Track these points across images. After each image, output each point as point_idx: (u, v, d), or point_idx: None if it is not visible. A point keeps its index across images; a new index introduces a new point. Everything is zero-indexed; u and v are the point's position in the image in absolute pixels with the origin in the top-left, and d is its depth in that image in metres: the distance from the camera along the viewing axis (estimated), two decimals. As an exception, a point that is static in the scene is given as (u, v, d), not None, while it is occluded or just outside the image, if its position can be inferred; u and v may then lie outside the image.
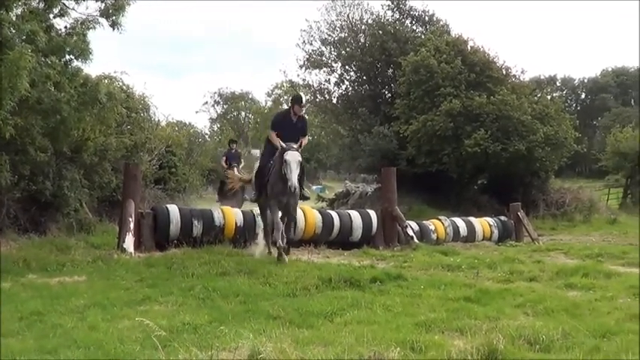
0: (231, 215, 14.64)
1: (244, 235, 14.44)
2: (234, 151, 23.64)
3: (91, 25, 14.24)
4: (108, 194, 17.86)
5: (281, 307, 8.08)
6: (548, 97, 41.18)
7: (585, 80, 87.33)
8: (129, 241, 13.29)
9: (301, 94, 14.03)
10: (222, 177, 23.10)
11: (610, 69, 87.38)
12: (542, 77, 74.37)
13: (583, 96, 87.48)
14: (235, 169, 21.55)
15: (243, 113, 60.15)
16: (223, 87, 66.66)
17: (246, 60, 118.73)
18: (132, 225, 13.54)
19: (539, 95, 36.62)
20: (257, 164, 13.68)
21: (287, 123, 12.67)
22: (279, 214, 12.57)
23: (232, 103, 60.05)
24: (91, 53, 14.00)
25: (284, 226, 12.67)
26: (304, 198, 13.40)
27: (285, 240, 12.58)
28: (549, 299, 8.84)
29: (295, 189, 11.80)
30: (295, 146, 12.09)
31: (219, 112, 59.75)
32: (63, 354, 6.18)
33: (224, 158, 23.36)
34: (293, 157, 11.92)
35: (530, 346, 6.51)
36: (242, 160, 24.00)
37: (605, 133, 51.27)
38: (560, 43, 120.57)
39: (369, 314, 7.96)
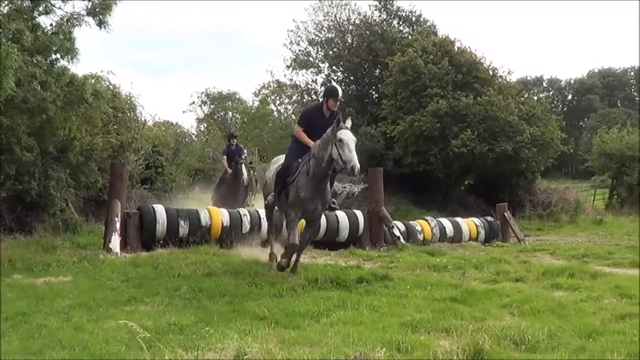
0: (217, 215, 14.62)
1: (230, 234, 14.42)
2: (234, 147, 20.82)
3: (77, 23, 14.17)
4: (94, 194, 17.80)
5: (267, 308, 8.04)
6: (535, 97, 41.37)
7: (572, 81, 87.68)
8: (115, 241, 13.25)
9: (336, 85, 12.22)
10: (223, 177, 20.86)
11: (596, 70, 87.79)
12: (528, 78, 74.77)
13: (569, 97, 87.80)
14: (243, 166, 19.93)
15: (230, 113, 60.03)
16: (210, 87, 66.41)
17: (240, 60, 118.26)
18: (118, 225, 13.50)
19: (525, 96, 36.84)
20: (270, 169, 12.01)
21: (318, 119, 10.90)
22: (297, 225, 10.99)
23: (219, 102, 59.92)
24: (77, 52, 13.94)
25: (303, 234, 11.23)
26: (332, 209, 11.58)
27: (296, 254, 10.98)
28: (535, 300, 8.88)
29: (358, 170, 9.96)
30: (348, 124, 10.29)
31: (206, 112, 59.68)
32: (48, 355, 6.15)
33: (225, 157, 20.83)
34: (350, 137, 10.06)
35: (515, 346, 6.55)
36: (246, 153, 21.67)
37: (592, 134, 51.47)
38: (546, 44, 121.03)
39: (356, 315, 7.97)
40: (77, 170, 16.74)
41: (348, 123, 10.35)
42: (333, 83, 11.21)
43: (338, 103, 11.01)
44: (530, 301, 8.77)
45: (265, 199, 11.76)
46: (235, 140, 21.43)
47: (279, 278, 10.28)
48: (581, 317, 7.88)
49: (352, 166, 9.84)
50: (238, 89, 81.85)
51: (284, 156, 11.65)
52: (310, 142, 10.68)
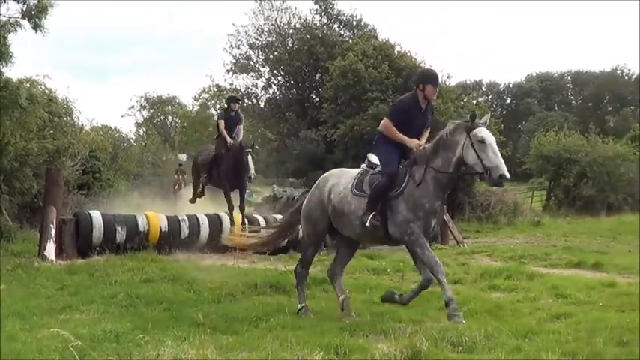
0: (155, 220, 14.47)
1: (169, 240, 14.28)
2: (234, 113, 16.69)
3: (12, 28, 13.90)
4: (29, 200, 17.46)
5: (205, 314, 8.02)
6: (474, 101, 41.86)
7: (510, 85, 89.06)
8: (50, 249, 13.02)
9: (433, 69, 9.62)
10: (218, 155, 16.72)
11: (534, 74, 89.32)
12: (468, 82, 75.64)
13: (508, 100, 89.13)
14: (250, 157, 15.79)
15: (170, 117, 59.78)
16: (150, 91, 66.08)
17: (181, 63, 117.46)
18: (53, 232, 13.26)
19: (465, 100, 37.22)
20: (327, 184, 9.09)
21: (414, 113, 8.61)
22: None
23: (159, 107, 59.62)
24: (11, 56, 13.67)
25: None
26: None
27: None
28: (473, 301, 9.00)
29: (507, 178, 7.87)
30: (485, 120, 8.27)
31: (145, 116, 59.29)
32: (-21, 365, 6.01)
33: (222, 122, 16.60)
34: (492, 137, 8.05)
35: (453, 347, 6.63)
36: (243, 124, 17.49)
37: (530, 137, 52.27)
38: (485, 48, 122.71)
39: (294, 319, 7.99)
40: (11, 176, 16.40)
41: (485, 118, 8.35)
42: (430, 67, 8.11)
43: (437, 90, 8.92)
44: (468, 302, 8.88)
45: (363, 223, 8.43)
46: (237, 105, 17.23)
47: (219, 283, 10.22)
48: (517, 317, 8.02)
49: (501, 174, 7.81)
50: (178, 93, 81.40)
51: (340, 170, 9.46)
52: (410, 141, 8.47)
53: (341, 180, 9.00)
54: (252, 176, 16.01)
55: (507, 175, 7.83)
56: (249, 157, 15.76)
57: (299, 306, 8.73)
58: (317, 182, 9.30)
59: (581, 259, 14.04)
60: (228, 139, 16.11)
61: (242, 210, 15.91)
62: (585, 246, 18.48)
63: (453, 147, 8.15)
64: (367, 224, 8.32)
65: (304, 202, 9.24)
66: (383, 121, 8.79)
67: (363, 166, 8.93)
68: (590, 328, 7.28)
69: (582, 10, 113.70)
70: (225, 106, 17.49)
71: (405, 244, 8.36)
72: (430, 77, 8.73)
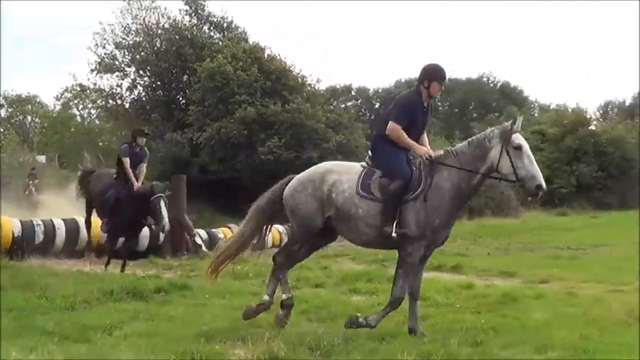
0: (7, 225, 13.88)
1: (22, 245, 13.71)
2: (139, 149, 14.05)
3: None
4: None
5: (57, 322, 7.69)
6: (343, 106, 42.50)
7: (380, 90, 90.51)
8: None
9: (439, 65, 8.02)
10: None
11: (403, 80, 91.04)
12: (337, 87, 76.50)
13: (377, 105, 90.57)
14: (163, 203, 13.31)
15: (29, 117, 57.96)
16: (8, 89, 63.63)
17: (43, 61, 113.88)
18: None
19: (334, 104, 37.71)
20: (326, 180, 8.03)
21: (418, 113, 7.94)
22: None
23: (18, 106, 57.67)
24: None
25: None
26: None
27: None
28: (333, 305, 9.05)
29: (544, 190, 7.31)
30: (519, 124, 7.52)
31: (2, 115, 57.20)
32: None
33: (127, 160, 13.72)
34: (527, 143, 7.46)
35: (311, 351, 6.67)
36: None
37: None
38: (357, 54, 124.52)
39: (151, 326, 7.77)
40: None
41: (518, 122, 7.55)
42: (435, 63, 7.57)
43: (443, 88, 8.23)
44: (328, 306, 8.94)
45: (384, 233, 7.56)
46: (144, 140, 14.38)
47: (73, 290, 9.84)
48: (376, 321, 8.06)
49: (539, 185, 7.24)
50: (39, 92, 78.69)
51: (339, 164, 8.53)
52: (419, 148, 7.84)
53: (342, 177, 7.97)
54: (167, 227, 13.74)
55: (544, 185, 7.28)
56: (163, 203, 13.30)
57: (284, 296, 8.05)
58: (309, 174, 8.25)
59: (441, 262, 14.36)
60: (135, 184, 13.49)
61: (124, 262, 13.38)
62: (446, 249, 18.87)
63: (483, 153, 7.57)
64: (394, 234, 7.50)
65: (288, 195, 8.30)
66: (390, 125, 7.82)
67: (363, 163, 8.08)
68: (447, 330, 7.50)
69: (450, 17, 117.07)
70: (131, 140, 14.38)
71: (399, 255, 7.83)
72: (437, 74, 7.96)
